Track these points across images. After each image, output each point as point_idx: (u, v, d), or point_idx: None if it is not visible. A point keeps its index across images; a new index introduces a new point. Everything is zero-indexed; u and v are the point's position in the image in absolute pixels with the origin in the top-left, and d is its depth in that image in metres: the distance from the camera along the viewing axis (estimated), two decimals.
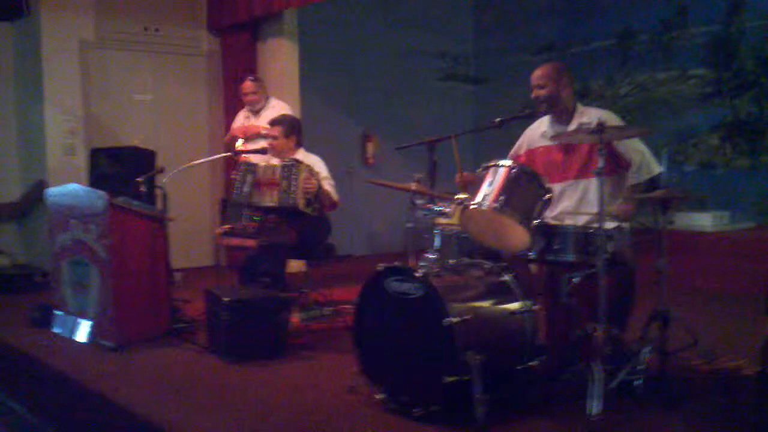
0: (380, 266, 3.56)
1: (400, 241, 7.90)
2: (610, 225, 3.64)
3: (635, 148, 3.94)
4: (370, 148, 9.15)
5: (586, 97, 8.27)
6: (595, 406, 3.17)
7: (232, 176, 5.36)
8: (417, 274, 3.39)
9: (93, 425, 3.99)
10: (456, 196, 3.76)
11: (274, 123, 5.47)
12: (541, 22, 9.23)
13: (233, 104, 7.76)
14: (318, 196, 5.09)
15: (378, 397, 3.53)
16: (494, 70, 9.83)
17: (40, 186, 7.10)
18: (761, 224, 7.17)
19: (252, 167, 5.26)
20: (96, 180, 6.82)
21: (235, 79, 7.90)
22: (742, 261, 6.25)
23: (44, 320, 5.31)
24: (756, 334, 3.20)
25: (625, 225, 3.86)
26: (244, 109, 6.79)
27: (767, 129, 7.39)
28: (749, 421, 3.23)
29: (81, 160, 7.36)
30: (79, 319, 5.02)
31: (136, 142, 7.18)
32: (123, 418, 3.70)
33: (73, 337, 5.00)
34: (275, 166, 5.16)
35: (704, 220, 7.13)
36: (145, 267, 4.88)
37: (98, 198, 4.81)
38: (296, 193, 4.98)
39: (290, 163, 5.08)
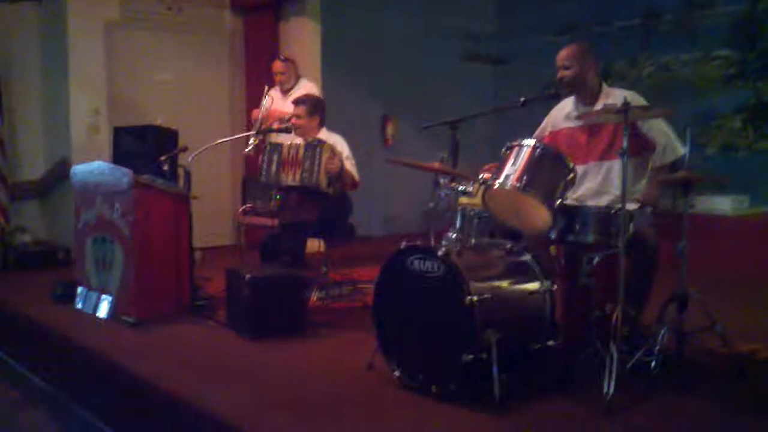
0: (402, 245, 3.59)
1: (418, 221, 7.96)
2: (631, 206, 3.65)
3: (660, 129, 3.93)
4: (390, 128, 9.15)
5: (608, 77, 8.17)
6: (611, 386, 3.20)
7: (259, 160, 5.38)
8: (439, 253, 3.42)
9: (113, 396, 4.09)
10: (479, 176, 3.78)
11: (298, 102, 5.50)
12: (563, 1, 9.14)
13: (255, 84, 7.78)
14: (340, 176, 5.12)
15: (396, 374, 3.57)
16: (516, 50, 9.76)
17: (64, 164, 7.18)
18: None
19: (277, 147, 5.30)
20: (119, 158, 6.86)
21: (257, 59, 7.93)
22: (762, 245, 6.22)
23: (67, 296, 5.39)
24: None
25: (648, 208, 3.86)
26: (275, 88, 6.82)
27: None
28: (764, 403, 3.23)
29: (104, 139, 7.41)
30: (101, 295, 5.09)
31: (158, 121, 7.22)
32: (144, 390, 3.77)
33: (95, 313, 5.07)
34: (299, 145, 5.20)
35: (724, 204, 7.08)
36: (168, 244, 4.94)
37: (123, 175, 4.87)
38: (319, 173, 5.02)
39: (314, 143, 5.12)
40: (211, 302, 5.15)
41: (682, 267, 3.64)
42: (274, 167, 5.23)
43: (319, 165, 5.02)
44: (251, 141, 5.91)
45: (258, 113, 6.54)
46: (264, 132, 6.08)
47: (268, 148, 5.35)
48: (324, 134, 5.42)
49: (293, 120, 5.47)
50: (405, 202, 8.60)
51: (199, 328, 4.75)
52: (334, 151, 5.11)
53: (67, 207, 5.86)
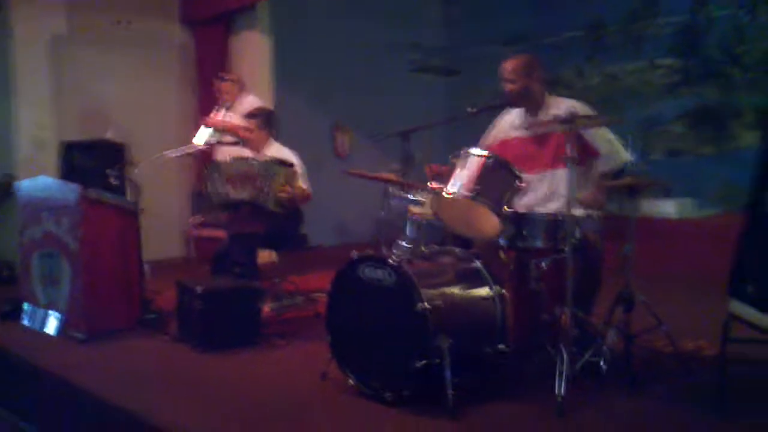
0: (354, 254, 3.60)
1: (369, 230, 7.95)
2: (578, 212, 3.72)
3: (604, 137, 4.00)
4: (341, 138, 9.17)
5: (556, 87, 8.34)
6: (562, 388, 3.24)
7: (203, 184, 5.32)
8: (390, 261, 3.44)
9: (63, 414, 4.01)
10: (429, 185, 3.81)
11: (249, 116, 5.47)
12: (511, 12, 9.28)
13: (206, 97, 7.75)
14: (290, 200, 5.07)
15: (350, 382, 3.58)
16: (465, 61, 9.87)
17: (8, 180, 7.04)
18: (725, 210, 7.30)
19: (215, 166, 5.23)
20: (67, 173, 6.80)
21: (207, 73, 7.89)
22: (706, 246, 6.34)
23: (13, 313, 5.28)
24: (717, 316, 3.28)
25: (594, 212, 3.93)
26: (220, 105, 6.85)
27: (731, 117, 7.53)
28: (710, 400, 3.31)
29: (51, 154, 7.31)
30: (48, 312, 5.00)
31: (108, 135, 7.15)
32: (94, 407, 3.71)
33: (43, 330, 4.98)
34: (251, 160, 5.13)
35: (669, 208, 7.26)
36: (116, 258, 4.89)
37: (70, 190, 4.81)
38: (269, 194, 4.96)
39: (270, 163, 5.04)
40: (162, 316, 5.08)
41: (628, 269, 3.72)
42: (219, 187, 5.15)
43: (272, 188, 4.96)
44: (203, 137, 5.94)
45: (209, 119, 6.55)
46: (214, 143, 6.06)
47: (206, 171, 5.26)
48: (275, 148, 5.40)
49: (244, 133, 5.44)
50: (356, 211, 8.59)
51: (151, 342, 4.69)
52: (287, 177, 5.04)
53: (10, 223, 5.74)
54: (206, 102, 7.66)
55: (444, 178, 3.70)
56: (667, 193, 7.45)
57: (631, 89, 8.30)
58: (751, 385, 3.52)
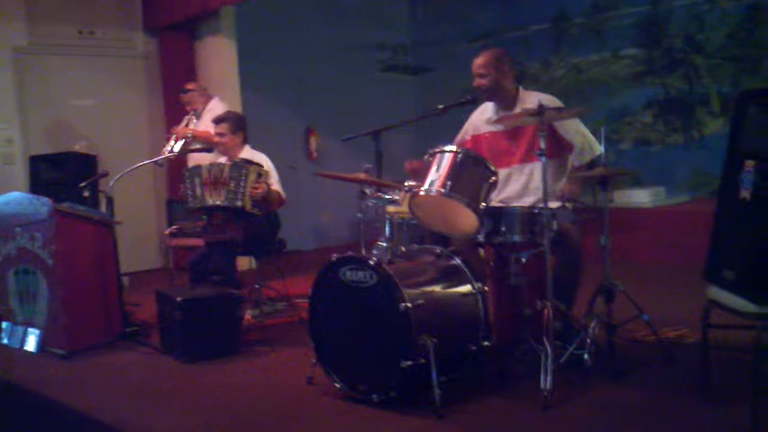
0: (334, 256, 3.60)
1: (348, 233, 7.99)
2: (554, 204, 3.76)
3: (577, 130, 4.04)
4: (313, 142, 9.16)
5: (522, 80, 8.41)
6: (547, 381, 3.28)
7: (180, 188, 5.27)
8: (371, 262, 3.45)
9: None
10: (404, 184, 3.83)
11: (220, 120, 5.42)
12: (476, 9, 9.35)
13: (173, 105, 7.70)
14: (266, 198, 5.05)
15: (336, 386, 3.58)
16: (433, 59, 9.93)
17: None
18: (695, 197, 7.42)
19: (195, 170, 5.19)
20: (37, 188, 6.71)
21: (174, 79, 7.84)
22: (680, 233, 6.46)
23: None
24: (696, 303, 3.33)
25: (569, 203, 3.97)
26: (189, 114, 6.84)
27: (697, 105, 7.65)
28: (694, 387, 3.36)
29: (20, 169, 7.23)
30: (28, 329, 4.94)
31: (77, 148, 7.08)
32: (78, 422, 3.68)
33: (23, 348, 4.91)
34: (223, 164, 5.12)
35: (642, 197, 7.35)
36: (93, 272, 4.83)
37: (42, 204, 4.76)
38: (244, 194, 4.93)
39: (240, 163, 5.04)
40: (143, 328, 5.05)
41: (606, 260, 3.76)
42: (198, 190, 5.12)
43: (245, 187, 4.93)
44: (167, 151, 5.90)
45: (177, 129, 6.52)
46: (186, 152, 6.02)
47: (187, 174, 5.22)
48: (248, 152, 5.37)
49: (216, 138, 5.41)
50: (334, 215, 8.62)
51: (133, 355, 4.66)
52: (260, 173, 5.04)
53: None
54: (174, 109, 7.62)
55: (422, 174, 3.71)
56: (639, 183, 7.55)
57: (596, 80, 8.40)
58: (733, 369, 3.56)
